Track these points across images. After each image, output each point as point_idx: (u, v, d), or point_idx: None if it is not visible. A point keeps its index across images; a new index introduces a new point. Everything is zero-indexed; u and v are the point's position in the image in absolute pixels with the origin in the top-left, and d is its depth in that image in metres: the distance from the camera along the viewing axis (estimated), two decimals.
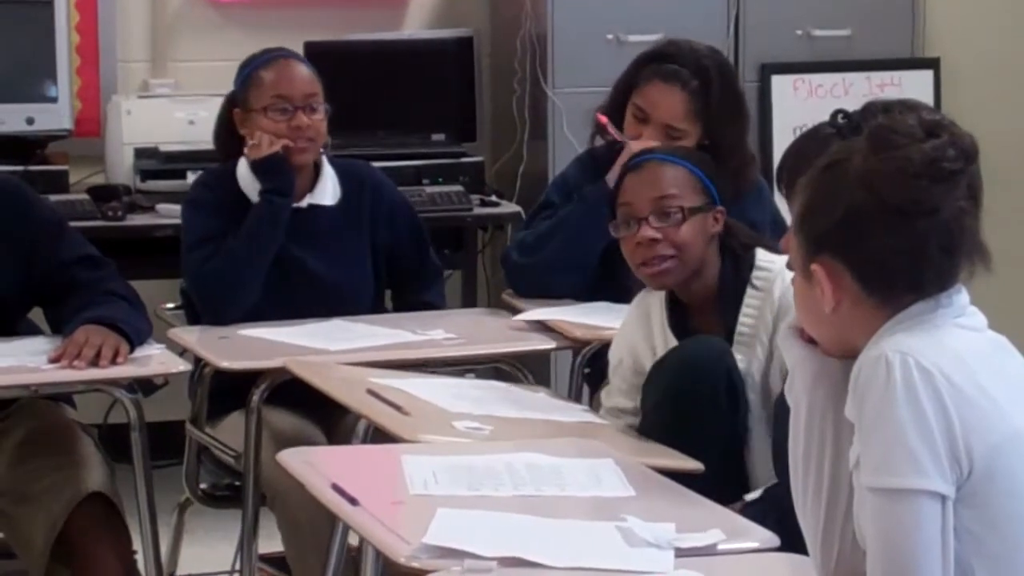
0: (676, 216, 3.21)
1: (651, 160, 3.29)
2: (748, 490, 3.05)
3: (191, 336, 3.74)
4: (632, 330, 3.28)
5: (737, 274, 3.21)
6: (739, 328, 3.17)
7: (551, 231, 3.93)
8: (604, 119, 3.94)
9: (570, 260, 3.89)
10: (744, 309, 3.18)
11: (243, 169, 3.89)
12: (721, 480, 2.95)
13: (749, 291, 3.18)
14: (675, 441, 3.03)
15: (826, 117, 2.57)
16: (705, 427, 3.06)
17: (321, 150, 3.94)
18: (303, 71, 3.90)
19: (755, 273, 3.20)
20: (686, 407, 3.08)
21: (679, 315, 3.24)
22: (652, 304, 3.27)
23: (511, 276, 4.03)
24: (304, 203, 3.91)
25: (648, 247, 3.22)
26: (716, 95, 3.85)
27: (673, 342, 3.20)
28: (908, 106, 2.20)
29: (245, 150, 3.88)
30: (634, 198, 3.25)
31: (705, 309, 3.24)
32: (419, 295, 4.03)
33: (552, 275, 3.90)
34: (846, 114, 2.23)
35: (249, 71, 3.92)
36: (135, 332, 3.43)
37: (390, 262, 3.99)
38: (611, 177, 3.76)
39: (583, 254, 3.87)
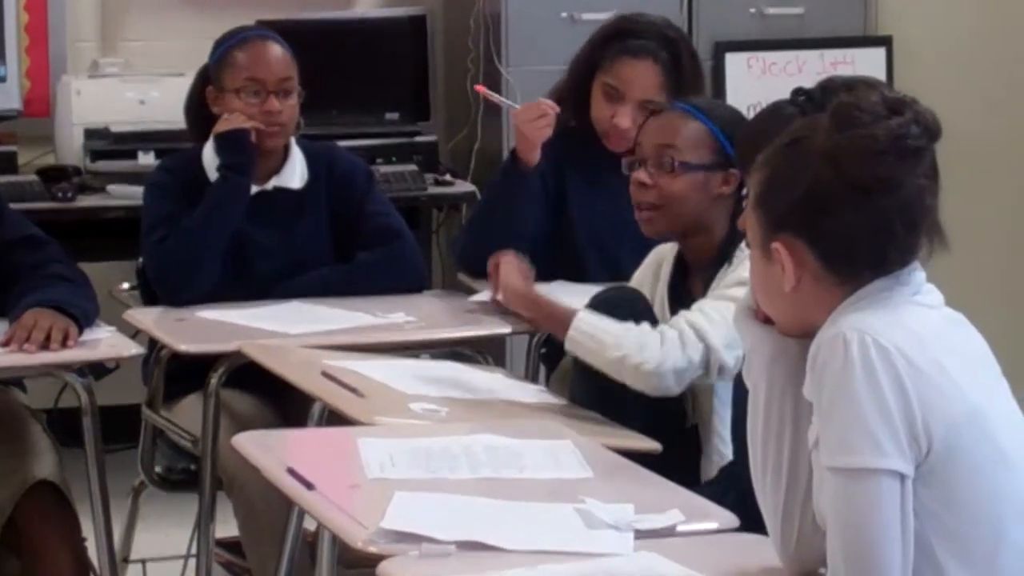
0: (669, 167, 3.22)
1: (672, 109, 3.33)
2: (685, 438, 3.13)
3: (147, 318, 3.70)
4: (642, 277, 3.32)
5: (736, 243, 3.19)
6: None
7: (480, 207, 3.97)
8: (482, 89, 4.04)
9: (503, 230, 3.85)
10: (717, 280, 3.17)
11: (208, 153, 3.86)
12: (652, 430, 3.01)
13: (725, 265, 3.17)
14: (594, 388, 3.12)
15: (780, 95, 2.56)
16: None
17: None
18: (278, 54, 3.85)
19: (741, 247, 3.19)
20: None
21: (681, 274, 3.26)
22: (666, 257, 3.30)
23: (458, 260, 4.00)
24: (270, 185, 3.88)
25: (638, 190, 3.26)
26: (687, 65, 3.91)
27: (666, 299, 3.23)
28: (868, 83, 2.20)
29: (215, 127, 3.84)
30: (643, 140, 3.30)
31: (702, 273, 3.24)
32: (357, 253, 3.90)
33: (495, 248, 3.88)
34: (807, 92, 2.23)
35: (224, 50, 3.87)
36: (82, 313, 3.40)
37: (347, 227, 3.94)
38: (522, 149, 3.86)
39: (511, 222, 3.86)
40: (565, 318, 3.11)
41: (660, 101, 3.81)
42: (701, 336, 3.04)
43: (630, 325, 3.08)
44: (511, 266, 3.27)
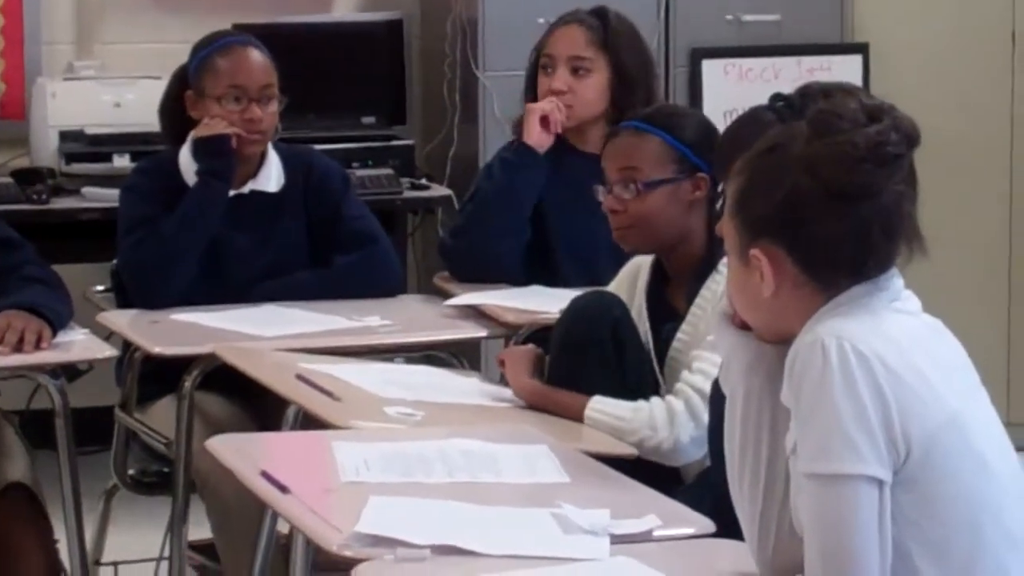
0: (634, 191, 3.22)
1: (626, 128, 3.31)
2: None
3: (122, 320, 3.69)
4: (618, 288, 3.30)
5: (718, 248, 3.16)
6: (692, 310, 3.16)
7: (477, 205, 3.97)
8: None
9: (503, 225, 3.92)
10: (703, 292, 3.16)
11: (185, 157, 3.84)
12: None
13: (713, 275, 3.14)
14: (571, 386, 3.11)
15: (757, 101, 2.55)
16: (592, 376, 3.09)
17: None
18: (260, 61, 3.85)
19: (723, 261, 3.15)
20: (573, 357, 3.13)
21: (659, 283, 3.25)
22: (642, 267, 3.29)
23: (450, 262, 4.03)
24: (246, 189, 3.87)
25: (612, 215, 3.26)
26: (615, 26, 4.01)
27: (644, 308, 3.21)
28: (846, 90, 2.19)
29: (194, 131, 3.82)
30: (606, 165, 3.30)
31: (682, 281, 3.22)
32: (333, 257, 3.90)
33: (490, 246, 3.91)
34: (785, 98, 2.22)
35: (204, 55, 3.86)
36: (56, 316, 3.40)
37: (323, 231, 3.93)
38: (525, 135, 3.96)
39: (514, 214, 3.93)
40: (577, 407, 3.09)
41: (588, 56, 3.96)
42: (706, 399, 2.99)
43: (640, 405, 3.06)
44: (516, 363, 3.23)
